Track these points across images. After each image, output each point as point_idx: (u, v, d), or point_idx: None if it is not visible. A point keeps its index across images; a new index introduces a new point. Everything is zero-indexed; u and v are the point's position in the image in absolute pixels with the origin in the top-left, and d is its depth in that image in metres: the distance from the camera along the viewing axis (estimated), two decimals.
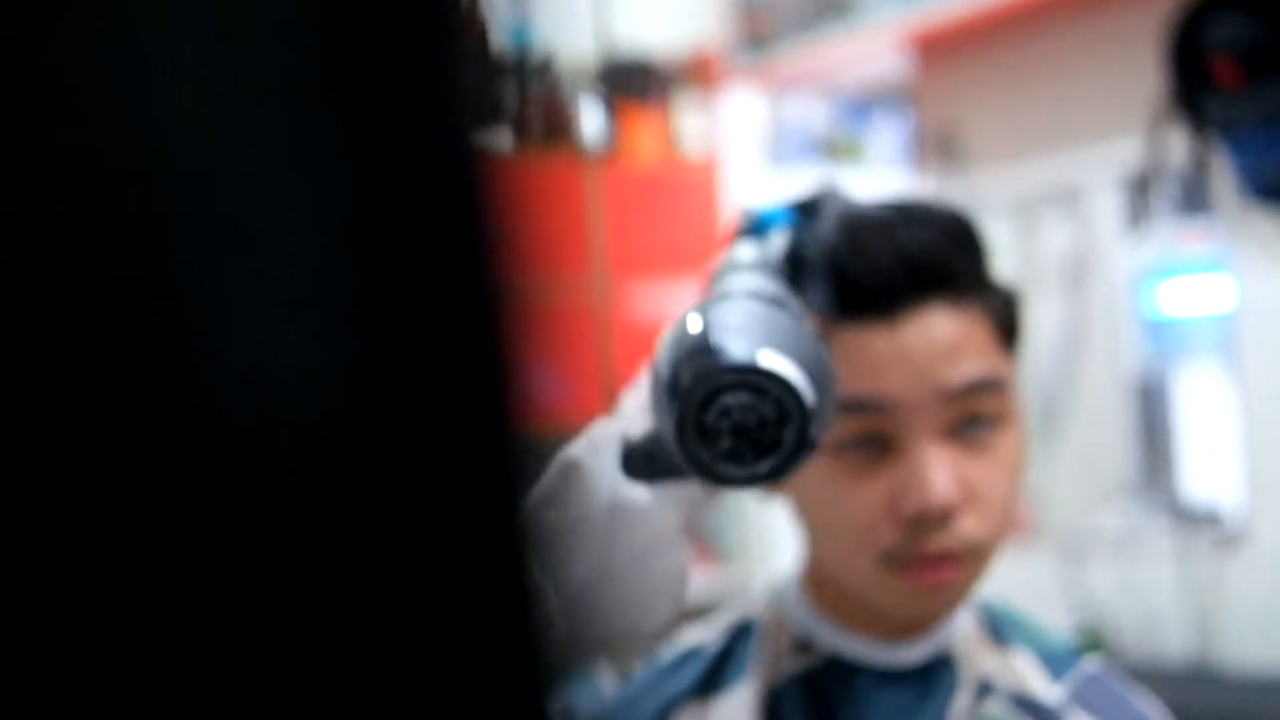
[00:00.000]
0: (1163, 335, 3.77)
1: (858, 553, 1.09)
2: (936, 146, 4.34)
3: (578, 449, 0.88)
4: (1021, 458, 1.13)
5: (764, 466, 0.83)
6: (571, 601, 0.86)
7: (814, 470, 1.08)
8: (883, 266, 1.08)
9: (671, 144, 4.40)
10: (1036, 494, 4.40)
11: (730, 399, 0.81)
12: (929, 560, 1.08)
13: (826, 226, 1.12)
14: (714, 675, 1.17)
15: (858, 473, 1.09)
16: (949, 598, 1.11)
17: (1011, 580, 4.27)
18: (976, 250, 1.14)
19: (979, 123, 4.23)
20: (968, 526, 1.08)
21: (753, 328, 0.83)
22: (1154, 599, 3.75)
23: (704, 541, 4.51)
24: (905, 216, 1.11)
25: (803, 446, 0.82)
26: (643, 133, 4.34)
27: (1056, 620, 3.84)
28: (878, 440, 1.08)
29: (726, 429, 0.82)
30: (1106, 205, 4.08)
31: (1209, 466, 3.90)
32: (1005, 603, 1.23)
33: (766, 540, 4.36)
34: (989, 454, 1.10)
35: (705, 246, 4.31)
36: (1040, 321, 4.45)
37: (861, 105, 4.71)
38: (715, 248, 3.84)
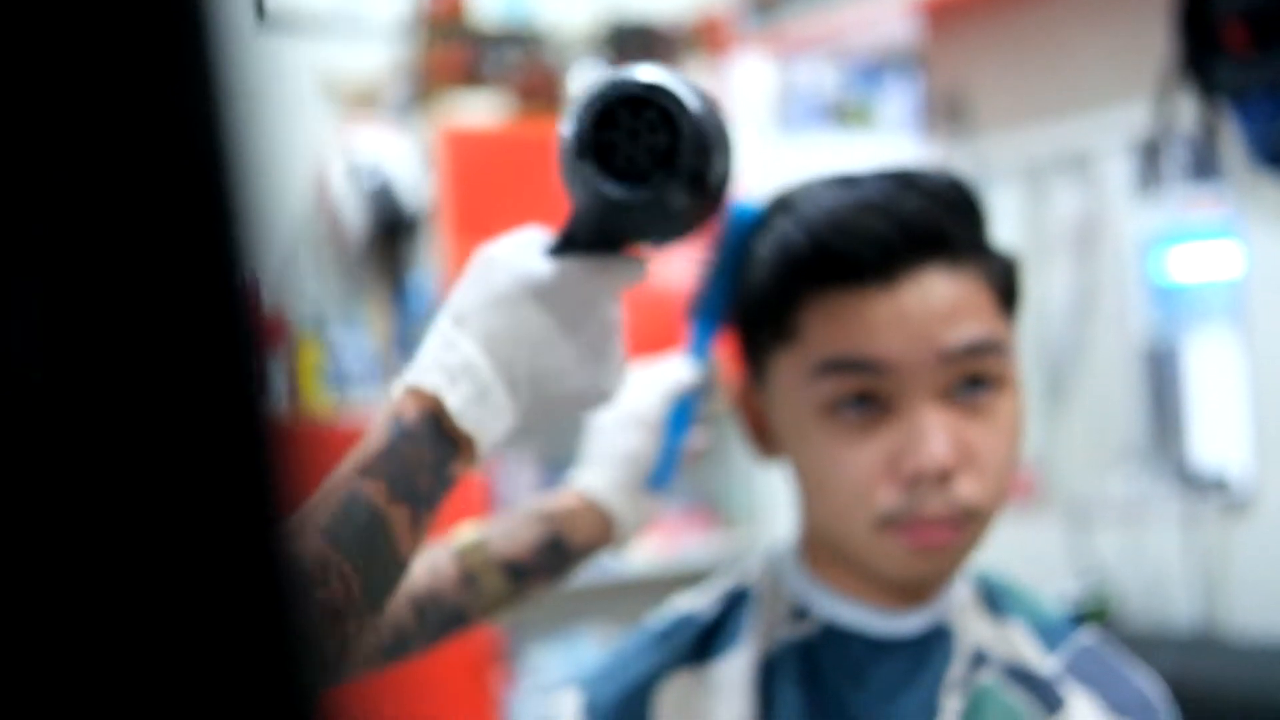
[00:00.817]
0: (1172, 301, 3.76)
1: (855, 514, 1.10)
2: (945, 111, 4.32)
3: (494, 246, 0.96)
4: (1021, 422, 1.13)
5: (657, 183, 0.88)
6: (514, 374, 0.92)
7: (812, 431, 1.09)
8: (880, 230, 1.08)
9: None
10: (1044, 459, 4.40)
11: (623, 111, 0.89)
12: (926, 522, 1.08)
13: (810, 206, 1.13)
14: (708, 642, 1.17)
15: (856, 434, 1.09)
16: (946, 561, 1.11)
17: (1018, 545, 4.28)
18: (974, 214, 1.14)
19: (988, 87, 4.21)
20: (965, 489, 1.08)
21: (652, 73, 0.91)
22: (1160, 565, 3.75)
23: (709, 507, 4.52)
24: (903, 182, 1.11)
25: (696, 175, 0.89)
26: None
27: (1062, 586, 3.84)
28: (876, 401, 1.09)
29: (620, 141, 0.89)
30: (1116, 171, 4.07)
31: (1217, 433, 3.90)
32: (1002, 573, 1.24)
33: (770, 505, 4.37)
34: (988, 417, 1.10)
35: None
36: (1049, 287, 4.44)
37: (872, 69, 4.69)
38: (723, 216, 3.81)
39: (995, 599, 1.20)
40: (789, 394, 1.13)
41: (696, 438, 1.25)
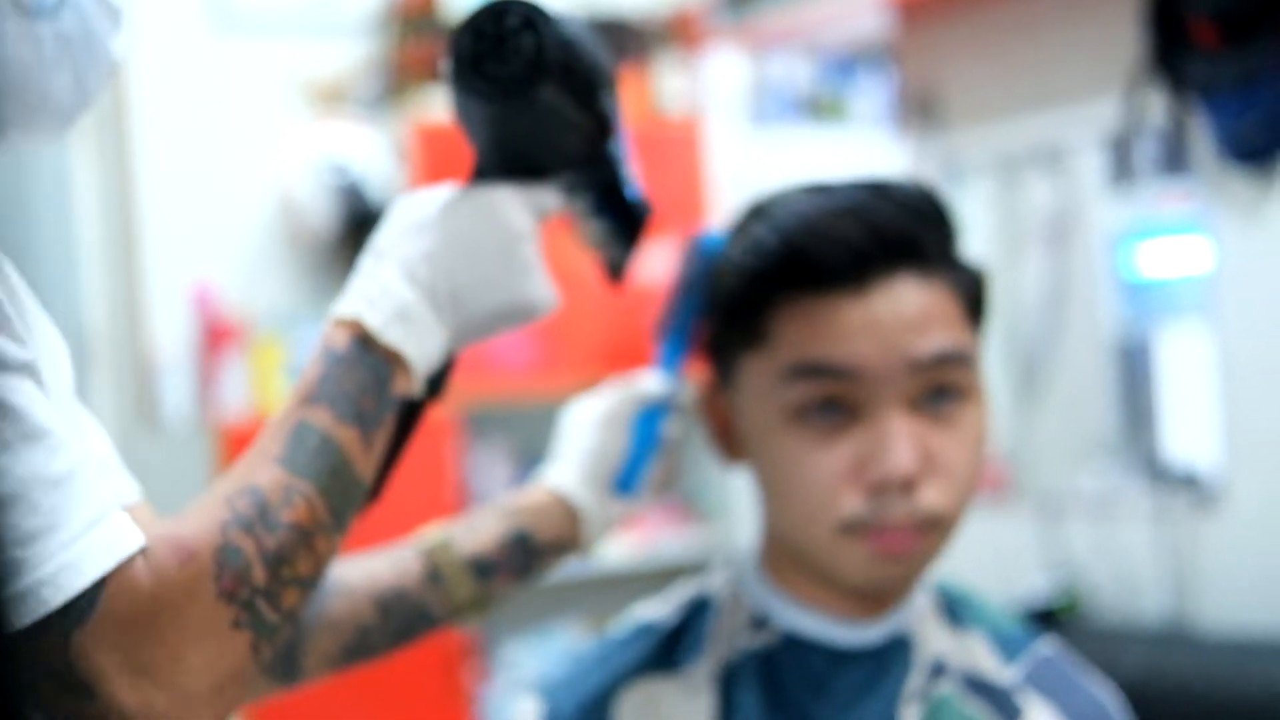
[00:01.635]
0: (1143, 296, 3.78)
1: (818, 518, 1.10)
2: (917, 106, 4.33)
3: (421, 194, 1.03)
4: (985, 432, 1.14)
5: (529, 81, 0.98)
6: (434, 291, 0.98)
7: (778, 434, 1.10)
8: (854, 237, 1.09)
9: (652, 104, 4.38)
10: (1015, 454, 4.41)
11: (487, 24, 0.99)
12: (889, 528, 1.09)
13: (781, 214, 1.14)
14: (669, 651, 1.18)
15: (822, 439, 1.10)
16: (907, 567, 1.12)
17: (990, 539, 4.29)
18: (946, 225, 1.14)
19: (959, 82, 4.22)
20: (929, 497, 1.09)
21: None
22: (1131, 560, 3.77)
23: (684, 503, 4.52)
24: (877, 191, 1.12)
25: (566, 69, 0.99)
26: (622, 93, 4.31)
27: (1033, 579, 3.85)
28: (843, 407, 1.09)
29: (488, 54, 0.98)
30: (1087, 166, 4.08)
31: (1187, 428, 3.92)
32: (962, 583, 1.24)
33: (745, 501, 4.37)
34: (953, 427, 1.11)
35: (689, 208, 4.30)
36: (1022, 281, 4.46)
37: (845, 63, 4.69)
38: (699, 210, 3.86)
39: (955, 609, 1.21)
40: (756, 397, 1.13)
41: (666, 454, 1.26)
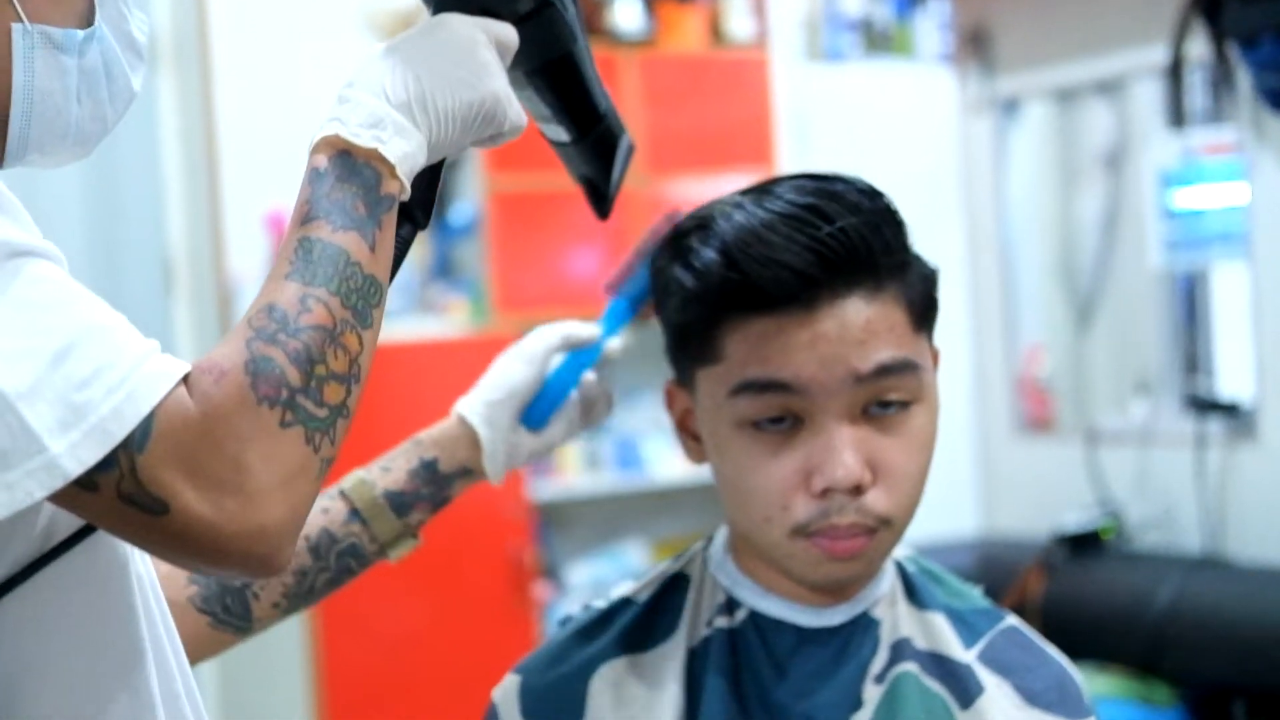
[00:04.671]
0: (1190, 232, 3.83)
1: (772, 523, 1.15)
2: (970, 41, 4.39)
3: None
4: (933, 434, 1.18)
5: None
6: (406, 100, 1.04)
7: (732, 444, 1.15)
8: (799, 264, 1.11)
9: (718, 34, 4.39)
10: (1064, 385, 4.50)
11: None
12: (839, 531, 1.13)
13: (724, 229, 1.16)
14: (644, 629, 1.23)
15: (773, 448, 1.14)
16: (860, 566, 1.16)
17: (1037, 469, 4.39)
18: (896, 232, 1.16)
19: (1010, 20, 4.27)
20: (877, 501, 1.13)
21: None
22: (1171, 489, 3.85)
23: None
24: (822, 201, 1.13)
25: None
26: (686, 20, 4.34)
27: (1077, 509, 3.94)
28: (791, 417, 1.13)
29: None
30: (1136, 106, 4.14)
31: (1230, 361, 3.98)
32: (925, 562, 1.29)
33: None
34: (900, 432, 1.15)
35: (756, 139, 4.35)
36: (1077, 212, 4.52)
37: None
38: (766, 141, 3.93)
39: (919, 590, 1.25)
40: (711, 407, 1.17)
41: (586, 399, 1.33)
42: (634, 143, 1.28)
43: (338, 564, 1.26)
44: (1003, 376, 4.45)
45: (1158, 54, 3.60)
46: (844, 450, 1.12)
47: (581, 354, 1.32)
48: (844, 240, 1.11)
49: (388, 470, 1.29)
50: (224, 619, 1.25)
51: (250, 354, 0.92)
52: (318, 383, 0.94)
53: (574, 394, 1.33)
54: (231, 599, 1.24)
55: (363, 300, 0.98)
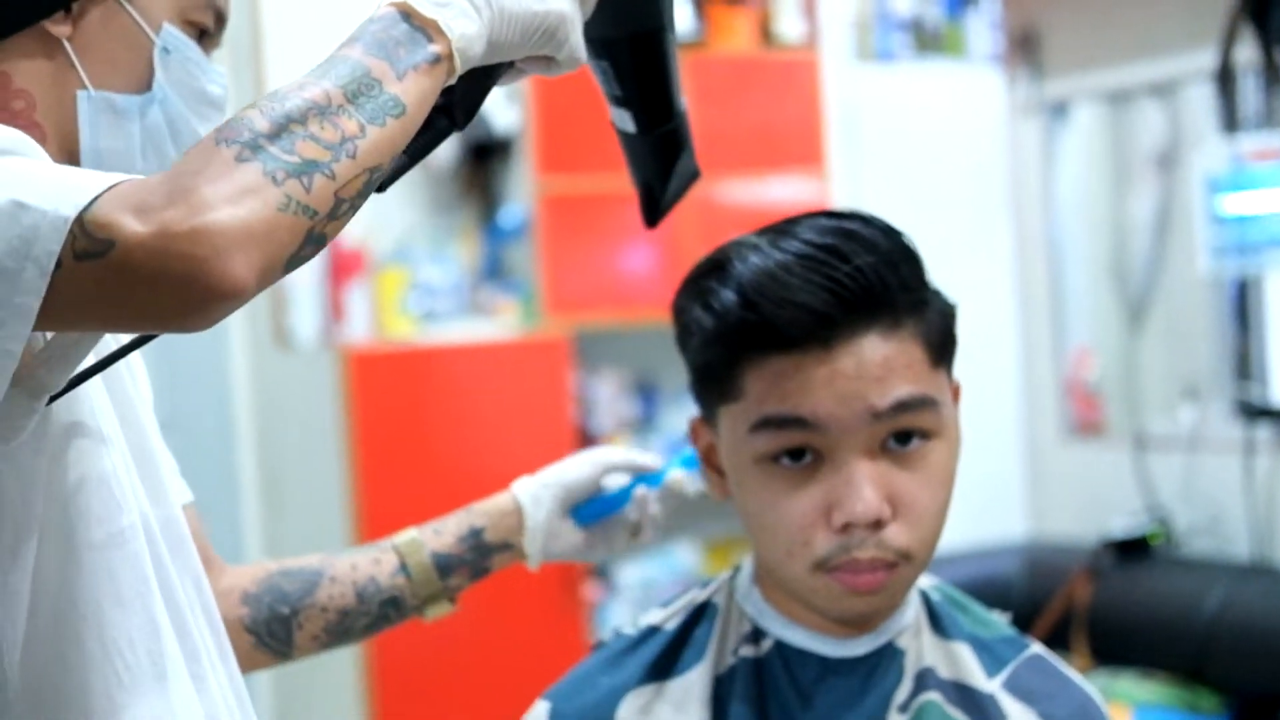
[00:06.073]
0: (1243, 235, 3.81)
1: (794, 557, 1.17)
2: (1019, 44, 4.38)
3: None
4: (953, 469, 1.19)
5: None
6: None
7: (754, 479, 1.18)
8: (817, 303, 1.13)
9: (767, 32, 4.38)
10: (1113, 389, 4.48)
11: None
12: (859, 566, 1.15)
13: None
14: (671, 657, 1.26)
15: (794, 484, 1.16)
16: (881, 600, 1.18)
17: (1085, 473, 4.37)
18: (913, 269, 1.17)
19: (1059, 23, 4.26)
20: (897, 536, 1.15)
21: None
22: (1219, 495, 3.84)
23: None
24: (839, 241, 1.14)
25: None
26: (736, 21, 4.33)
27: (1125, 514, 3.94)
28: (811, 453, 1.15)
29: None
30: (1188, 108, 4.12)
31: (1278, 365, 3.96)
32: (951, 591, 1.30)
33: None
34: (919, 468, 1.16)
35: (806, 140, 4.34)
36: (1128, 215, 4.50)
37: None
38: (816, 143, 3.93)
39: (943, 619, 1.26)
40: (733, 443, 1.20)
41: (639, 520, 1.42)
42: (699, 170, 1.29)
43: (379, 611, 1.36)
44: (1051, 380, 4.44)
45: (1209, 58, 3.59)
46: (863, 485, 1.14)
47: (645, 477, 1.42)
48: (860, 279, 1.13)
49: (439, 533, 1.38)
50: (267, 642, 1.33)
51: (231, 118, 0.93)
52: (290, 136, 0.92)
53: (628, 512, 1.42)
54: (276, 625, 1.32)
55: (373, 104, 0.97)
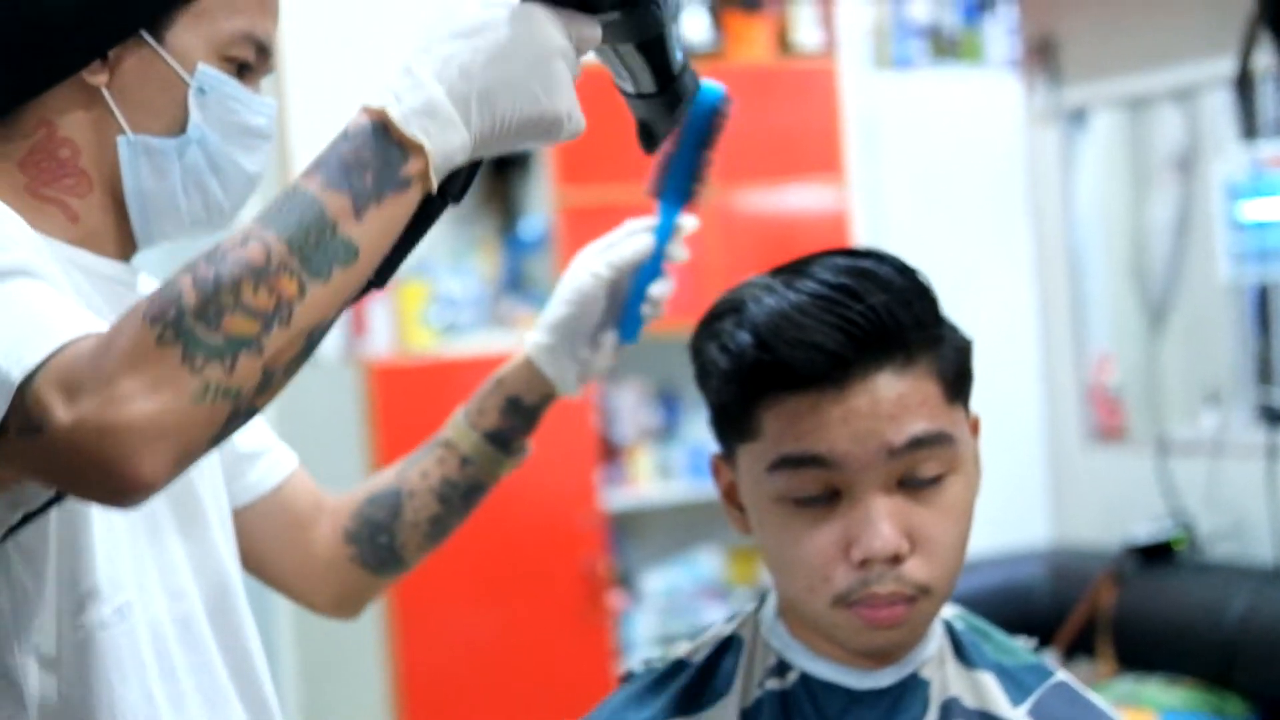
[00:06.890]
0: (1263, 241, 3.81)
1: (814, 593, 1.18)
2: (1037, 51, 4.38)
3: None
4: (971, 503, 1.20)
5: None
6: (465, 94, 1.03)
7: (773, 517, 1.19)
8: (832, 343, 1.13)
9: (784, 42, 4.40)
10: (1135, 394, 4.48)
11: None
12: (879, 601, 1.16)
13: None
14: (698, 691, 1.27)
15: (813, 521, 1.17)
16: (901, 634, 1.19)
17: (1107, 478, 4.37)
18: (927, 306, 1.18)
19: (1077, 30, 4.27)
20: (916, 570, 1.16)
21: None
22: (1242, 500, 3.83)
23: None
24: (853, 280, 1.15)
25: None
26: (753, 30, 4.35)
27: (1148, 519, 3.93)
28: (829, 490, 1.16)
29: None
30: (1207, 114, 4.11)
31: None
32: (974, 619, 1.31)
33: None
34: (936, 503, 1.17)
35: (824, 147, 4.35)
36: (1147, 220, 4.50)
37: (975, 3, 4.68)
38: (835, 149, 3.94)
39: (967, 649, 1.27)
40: (752, 482, 1.20)
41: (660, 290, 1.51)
42: (699, 83, 1.28)
43: (463, 501, 1.50)
44: (1073, 385, 4.44)
45: (1227, 64, 3.59)
46: (880, 521, 1.14)
47: (644, 267, 1.50)
48: (873, 318, 1.14)
49: (482, 413, 1.51)
50: (383, 568, 1.50)
51: (163, 285, 0.95)
52: (218, 310, 0.93)
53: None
54: (384, 553, 1.50)
55: (321, 254, 0.97)
